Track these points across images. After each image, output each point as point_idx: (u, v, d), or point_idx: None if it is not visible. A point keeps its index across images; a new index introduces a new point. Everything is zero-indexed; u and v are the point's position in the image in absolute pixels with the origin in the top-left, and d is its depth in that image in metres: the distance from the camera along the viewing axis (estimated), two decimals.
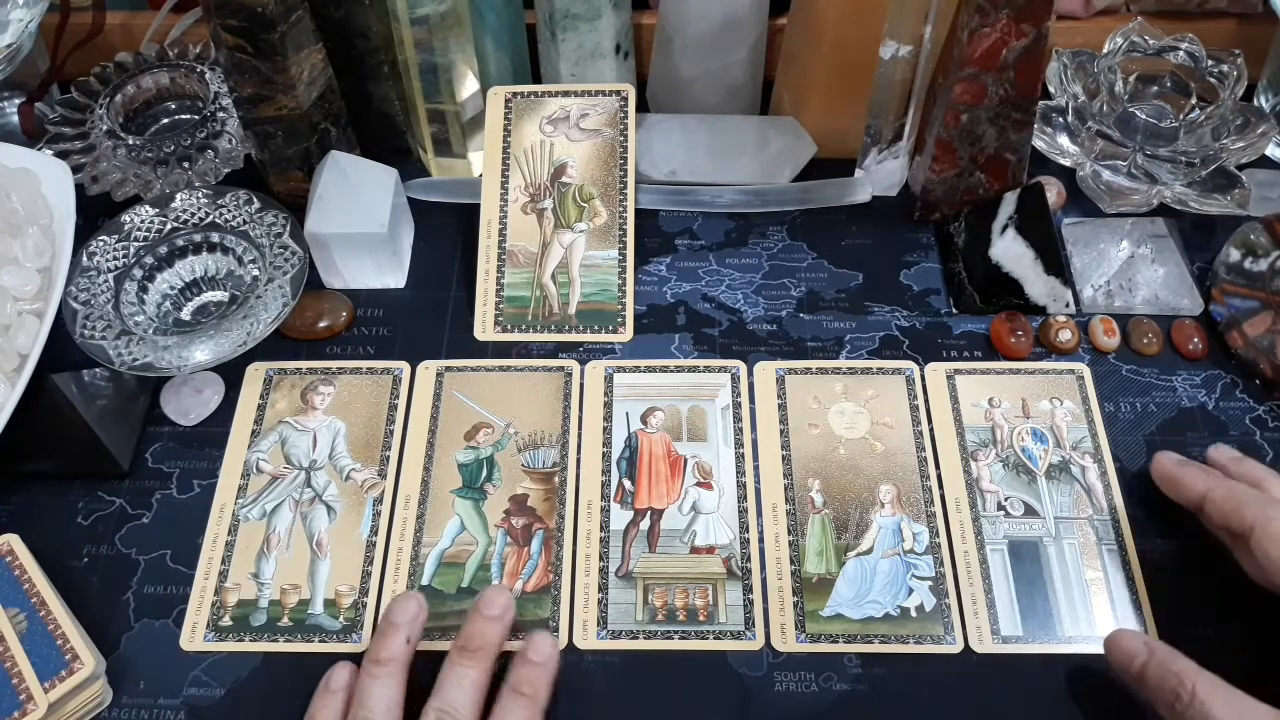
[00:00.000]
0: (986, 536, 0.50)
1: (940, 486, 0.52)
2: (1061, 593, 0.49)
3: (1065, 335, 0.57)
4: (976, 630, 0.48)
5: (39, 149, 0.60)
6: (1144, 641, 0.43)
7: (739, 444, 0.54)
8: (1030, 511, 0.51)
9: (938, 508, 0.52)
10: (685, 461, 0.53)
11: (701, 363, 0.57)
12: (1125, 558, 0.50)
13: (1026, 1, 0.52)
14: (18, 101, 0.67)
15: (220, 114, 0.62)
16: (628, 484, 0.52)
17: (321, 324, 0.58)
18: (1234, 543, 0.46)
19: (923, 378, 0.56)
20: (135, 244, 0.57)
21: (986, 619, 0.48)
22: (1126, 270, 0.60)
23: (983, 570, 0.49)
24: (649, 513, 0.52)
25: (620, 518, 0.51)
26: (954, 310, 0.60)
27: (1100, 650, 0.46)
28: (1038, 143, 0.63)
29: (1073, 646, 0.47)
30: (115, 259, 0.56)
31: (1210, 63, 0.62)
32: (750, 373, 0.56)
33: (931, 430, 0.54)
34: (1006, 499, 0.52)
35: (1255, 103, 0.67)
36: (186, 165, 0.61)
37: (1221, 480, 0.47)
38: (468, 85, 0.62)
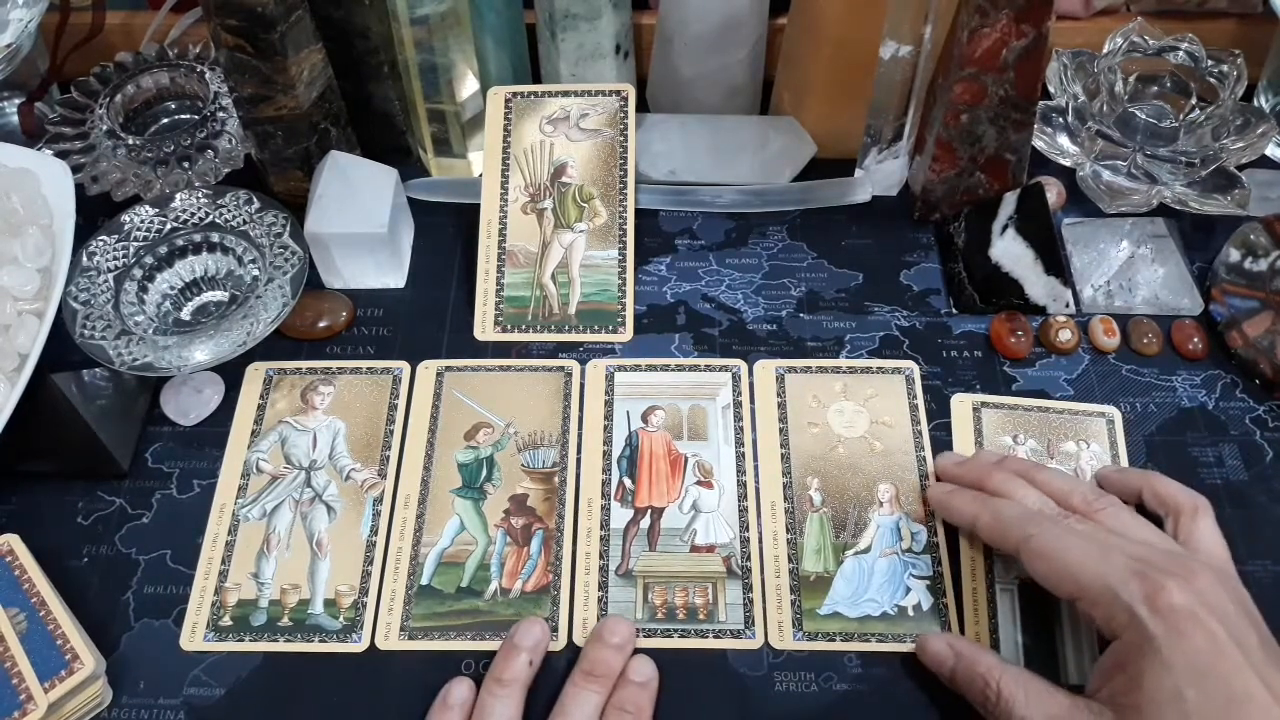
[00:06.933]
0: (997, 575, 0.49)
1: None
2: (1070, 639, 0.47)
3: (1065, 335, 0.57)
4: None
5: (39, 149, 0.60)
6: (949, 644, 0.45)
7: (739, 443, 0.54)
8: None
9: None
10: (686, 460, 0.53)
11: (703, 361, 0.57)
12: None
13: (1026, 2, 0.52)
14: (18, 101, 0.67)
15: (220, 114, 0.62)
16: (628, 482, 0.52)
17: (321, 324, 0.58)
18: None
19: (944, 400, 0.55)
20: (135, 244, 0.57)
21: None
22: (1126, 270, 0.60)
23: (990, 610, 0.48)
24: (649, 511, 0.52)
25: (620, 516, 0.51)
26: (954, 310, 0.60)
27: None
28: (1038, 143, 0.63)
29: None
30: (115, 259, 0.56)
31: (1210, 63, 0.62)
32: (751, 372, 0.56)
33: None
34: None
35: (1255, 103, 0.67)
36: (186, 165, 0.61)
37: (985, 504, 0.47)
38: (468, 85, 0.62)
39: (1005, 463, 0.49)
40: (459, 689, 0.45)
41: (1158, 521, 0.46)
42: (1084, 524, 0.44)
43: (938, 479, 0.51)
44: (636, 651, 0.47)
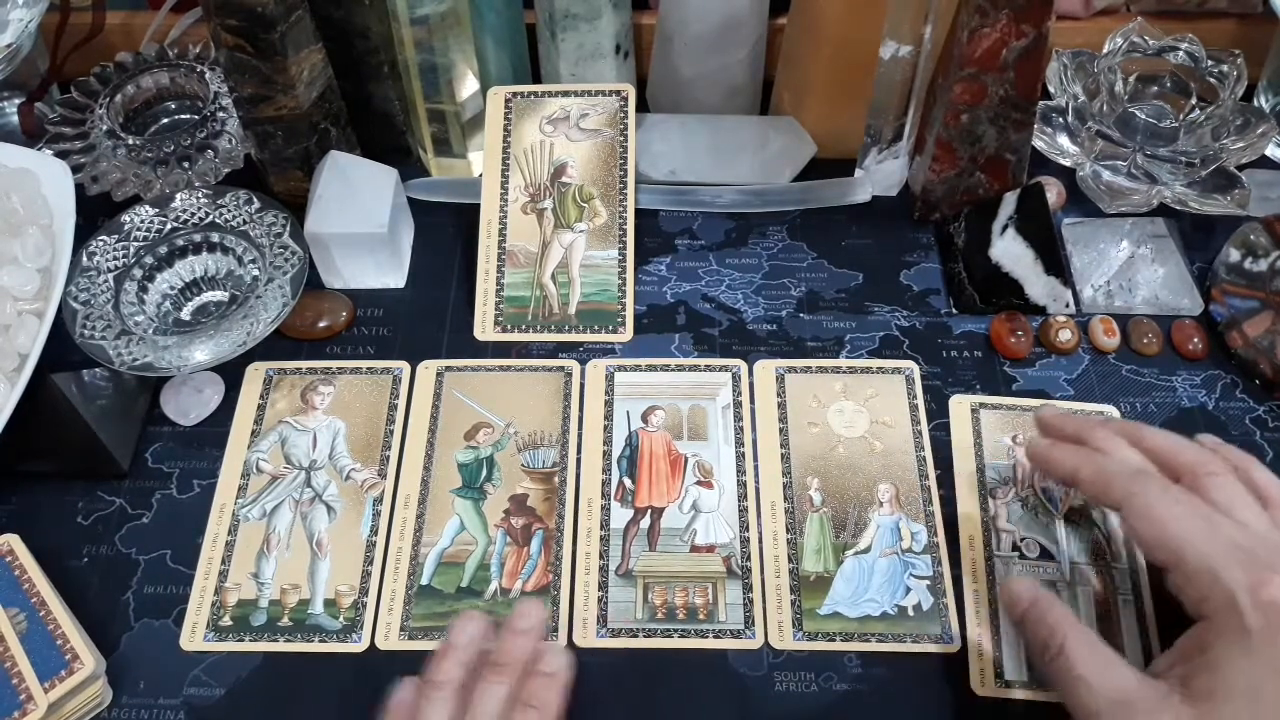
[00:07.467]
0: (998, 576, 0.49)
1: (940, 486, 0.52)
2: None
3: (1065, 335, 0.57)
4: (980, 673, 0.47)
5: (39, 149, 0.60)
6: (1031, 588, 0.44)
7: (739, 443, 0.54)
8: (1046, 555, 0.50)
9: (936, 507, 0.51)
10: (686, 460, 0.53)
11: (703, 361, 0.57)
12: (1141, 609, 0.48)
13: (1026, 1, 0.52)
14: (18, 101, 0.67)
15: (220, 114, 0.62)
16: (628, 482, 0.52)
17: (321, 324, 0.58)
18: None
19: (944, 400, 0.55)
20: (135, 244, 0.57)
21: (991, 662, 0.47)
22: (1126, 270, 0.60)
23: (991, 611, 0.48)
24: (649, 511, 0.52)
25: (620, 516, 0.51)
26: (954, 310, 0.60)
27: None
28: (1038, 143, 0.63)
29: None
30: (115, 259, 0.56)
31: (1210, 63, 0.62)
32: (751, 372, 0.56)
33: (951, 461, 0.53)
34: (1023, 540, 0.50)
35: (1255, 103, 0.67)
36: (186, 165, 0.61)
37: (1089, 457, 0.45)
38: (468, 85, 0.62)
39: (1111, 424, 0.47)
40: (405, 691, 0.43)
41: None
42: (1187, 493, 0.42)
43: (1040, 430, 0.49)
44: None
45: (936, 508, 0.51)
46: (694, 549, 0.50)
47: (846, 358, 0.57)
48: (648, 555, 0.50)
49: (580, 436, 0.54)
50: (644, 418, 0.55)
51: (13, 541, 0.47)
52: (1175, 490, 0.42)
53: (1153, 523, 0.41)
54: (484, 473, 0.53)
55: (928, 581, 0.49)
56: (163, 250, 0.57)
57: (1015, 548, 0.50)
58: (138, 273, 0.56)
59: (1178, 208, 0.60)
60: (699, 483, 0.52)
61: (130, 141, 0.60)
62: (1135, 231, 0.61)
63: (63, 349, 0.53)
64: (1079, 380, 0.56)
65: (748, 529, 0.51)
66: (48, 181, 0.56)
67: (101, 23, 0.68)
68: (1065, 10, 0.67)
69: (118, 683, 0.47)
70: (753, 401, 0.55)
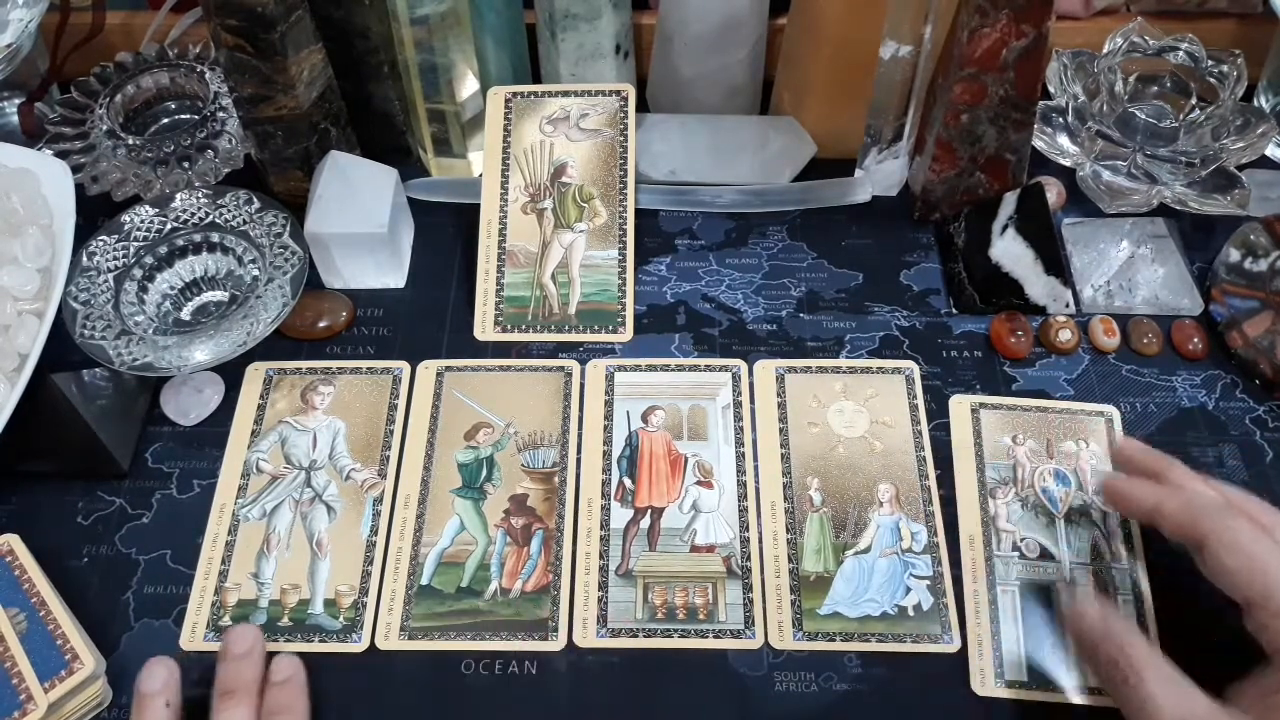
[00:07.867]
0: (999, 576, 0.49)
1: (940, 486, 0.52)
2: (1071, 641, 0.47)
3: (1065, 335, 0.57)
4: (980, 672, 0.47)
5: (39, 149, 0.60)
6: (1102, 617, 0.43)
7: (739, 443, 0.54)
8: (1046, 554, 0.50)
9: (936, 507, 0.51)
10: (686, 460, 0.53)
11: (703, 361, 0.57)
12: (1141, 609, 0.48)
13: (1026, 1, 0.52)
14: (18, 101, 0.67)
15: (220, 114, 0.62)
16: (628, 482, 0.52)
17: (321, 324, 0.58)
18: (1194, 553, 0.44)
19: (944, 400, 0.55)
20: (135, 244, 0.57)
21: (991, 661, 0.47)
22: (1126, 270, 0.60)
23: (990, 610, 0.48)
24: (649, 511, 0.52)
25: (620, 516, 0.51)
26: (954, 310, 0.60)
27: (1104, 704, 0.45)
28: (1038, 143, 0.63)
29: (1076, 698, 0.46)
30: (115, 259, 0.56)
31: (1210, 63, 0.62)
32: (751, 372, 0.56)
33: (951, 461, 0.53)
34: (1023, 540, 0.50)
35: (1255, 103, 0.67)
36: (186, 165, 0.61)
37: (1173, 492, 0.44)
38: (468, 85, 0.62)
39: (1184, 466, 0.47)
40: None
41: None
42: (1269, 534, 0.42)
43: (1114, 461, 0.49)
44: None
45: (936, 508, 0.51)
46: (694, 549, 0.50)
47: (846, 358, 0.57)
48: (648, 555, 0.50)
49: (580, 436, 0.54)
50: (644, 418, 0.55)
51: (13, 541, 0.47)
52: (1260, 529, 0.42)
53: (1246, 557, 0.40)
54: (484, 473, 0.53)
55: (928, 581, 0.49)
56: (163, 250, 0.57)
57: (1015, 548, 0.50)
58: (138, 273, 0.56)
59: (1178, 208, 0.60)
60: (699, 483, 0.52)
61: (130, 141, 0.60)
62: (1135, 231, 0.61)
63: (63, 349, 0.53)
64: (1079, 380, 0.56)
65: (748, 529, 0.51)
66: (48, 181, 0.56)
67: (101, 23, 0.68)
68: (1065, 10, 0.67)
69: (118, 683, 0.47)
70: (753, 401, 0.55)
